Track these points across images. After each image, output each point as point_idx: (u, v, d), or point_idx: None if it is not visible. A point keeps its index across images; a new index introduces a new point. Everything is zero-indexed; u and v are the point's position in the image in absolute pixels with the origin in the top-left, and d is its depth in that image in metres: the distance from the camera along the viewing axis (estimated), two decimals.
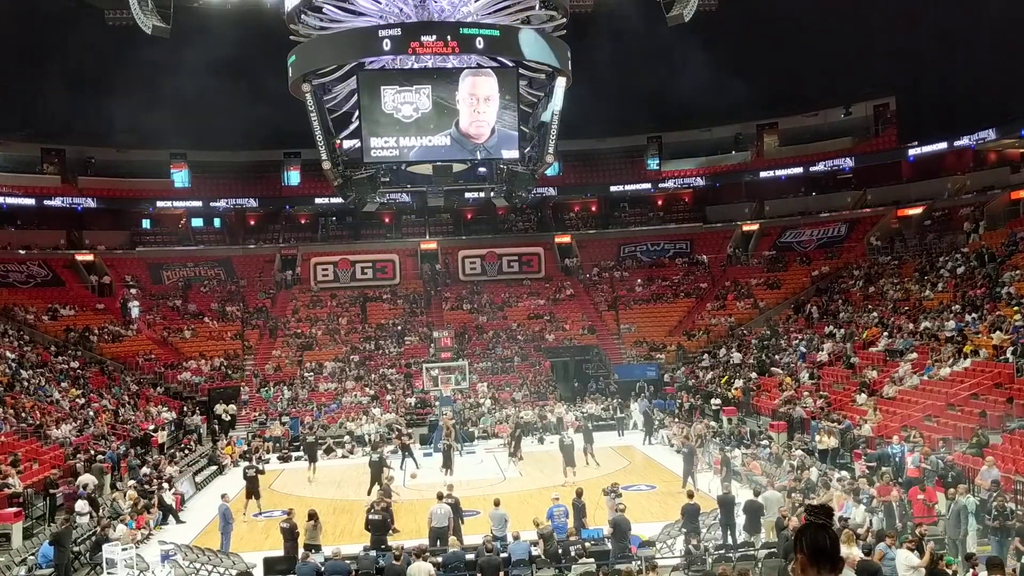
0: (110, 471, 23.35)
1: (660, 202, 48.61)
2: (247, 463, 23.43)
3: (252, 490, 20.52)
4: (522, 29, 25.31)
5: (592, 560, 13.88)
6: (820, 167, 43.99)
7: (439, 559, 13.70)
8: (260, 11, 30.43)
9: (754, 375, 31.53)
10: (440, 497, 16.27)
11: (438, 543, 15.07)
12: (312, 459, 25.88)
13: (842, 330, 31.29)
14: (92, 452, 23.92)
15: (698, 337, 38.50)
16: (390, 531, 16.48)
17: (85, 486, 20.06)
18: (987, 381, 21.40)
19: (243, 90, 36.85)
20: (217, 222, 47.11)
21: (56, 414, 26.91)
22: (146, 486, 21.14)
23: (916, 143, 40.70)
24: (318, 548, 14.96)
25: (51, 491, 20.53)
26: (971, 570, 11.15)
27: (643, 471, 24.22)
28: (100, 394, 31.02)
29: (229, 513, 17.26)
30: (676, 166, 46.89)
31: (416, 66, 25.01)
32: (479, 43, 23.69)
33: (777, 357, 32.58)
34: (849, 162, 43.64)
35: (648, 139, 47.35)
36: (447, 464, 23.58)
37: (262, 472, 22.14)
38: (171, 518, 20.26)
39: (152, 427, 29.12)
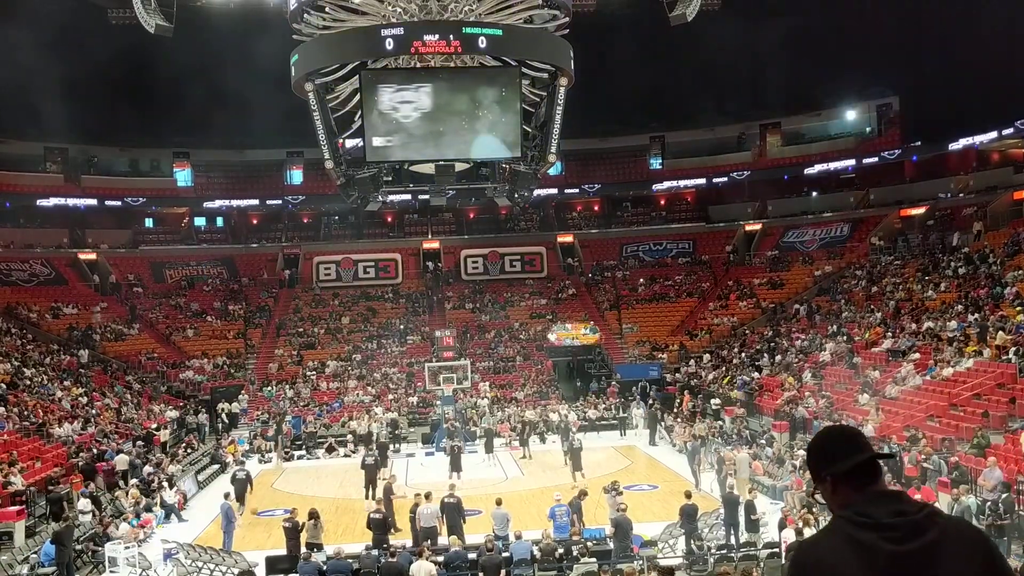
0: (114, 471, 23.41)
1: (662, 202, 48.56)
2: (237, 465, 23.18)
3: (240, 493, 20.17)
4: (525, 29, 25.29)
5: (594, 560, 13.88)
6: (823, 167, 43.91)
7: (440, 558, 13.70)
8: (263, 10, 30.40)
9: (756, 375, 31.48)
10: (427, 497, 16.25)
11: (427, 543, 15.04)
12: (287, 459, 26.68)
13: (844, 330, 31.20)
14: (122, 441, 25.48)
15: (701, 337, 38.47)
16: (391, 530, 16.48)
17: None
18: (990, 381, 21.35)
19: (244, 89, 36.79)
20: (219, 221, 47.14)
21: (59, 412, 26.93)
22: (149, 485, 21.17)
23: (919, 143, 40.59)
24: (320, 547, 14.97)
25: (50, 488, 20.56)
26: None
27: (645, 471, 24.20)
28: (103, 392, 31.05)
29: (231, 512, 17.26)
30: (677, 164, 46.87)
31: (419, 65, 24.97)
32: (482, 42, 23.63)
33: (778, 357, 32.51)
34: (852, 162, 43.56)
35: (651, 139, 47.34)
36: (455, 467, 22.91)
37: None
38: (173, 517, 20.26)
39: (155, 426, 29.14)
